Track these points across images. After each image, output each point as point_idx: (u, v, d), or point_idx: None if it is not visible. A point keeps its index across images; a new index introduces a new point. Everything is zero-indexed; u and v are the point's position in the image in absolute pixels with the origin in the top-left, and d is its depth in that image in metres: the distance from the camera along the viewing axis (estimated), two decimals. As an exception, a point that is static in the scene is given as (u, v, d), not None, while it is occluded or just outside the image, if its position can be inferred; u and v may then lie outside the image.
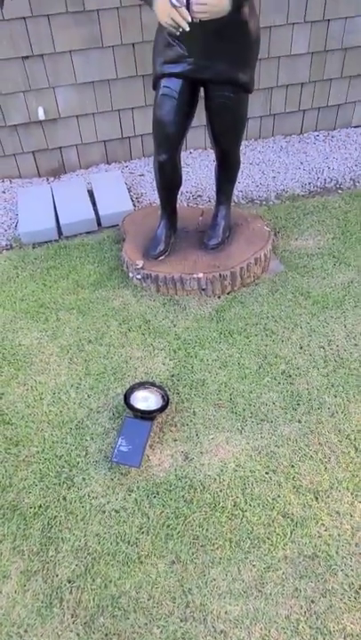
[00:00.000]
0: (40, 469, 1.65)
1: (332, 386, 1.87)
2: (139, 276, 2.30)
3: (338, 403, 1.82)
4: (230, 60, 1.79)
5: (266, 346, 2.03)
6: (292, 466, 1.64)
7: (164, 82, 1.89)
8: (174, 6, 1.58)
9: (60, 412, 1.82)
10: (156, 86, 1.94)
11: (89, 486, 1.60)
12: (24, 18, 2.60)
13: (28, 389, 1.91)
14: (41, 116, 2.95)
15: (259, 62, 2.94)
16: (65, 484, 1.61)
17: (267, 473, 1.62)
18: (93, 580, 1.40)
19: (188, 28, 1.61)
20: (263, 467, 1.64)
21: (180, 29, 1.62)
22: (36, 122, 2.99)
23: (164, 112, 1.93)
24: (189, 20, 1.60)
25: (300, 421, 1.77)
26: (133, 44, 2.85)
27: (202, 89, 1.96)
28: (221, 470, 1.63)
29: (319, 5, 2.96)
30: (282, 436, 1.72)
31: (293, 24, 3.01)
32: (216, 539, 1.47)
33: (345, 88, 3.41)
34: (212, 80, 1.86)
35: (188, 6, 1.59)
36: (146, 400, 1.72)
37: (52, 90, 2.90)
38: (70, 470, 1.65)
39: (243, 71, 1.84)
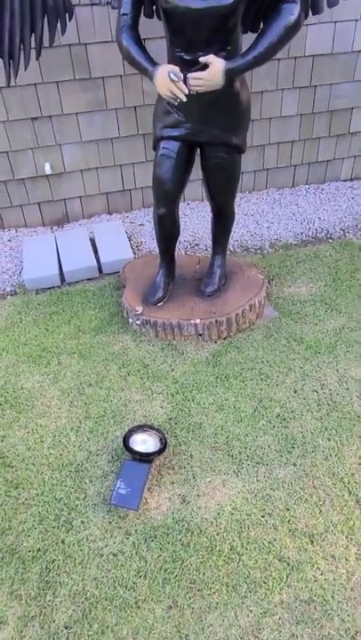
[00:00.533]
0: (39, 512, 1.68)
1: (326, 429, 1.92)
2: (138, 322, 2.39)
3: (331, 446, 1.86)
4: (224, 126, 1.96)
5: (261, 390, 2.10)
6: (288, 509, 1.67)
7: (163, 144, 2.05)
8: (173, 81, 1.75)
9: (60, 454, 1.86)
10: (155, 147, 2.10)
11: (87, 529, 1.62)
12: (35, 84, 2.82)
13: (29, 432, 1.95)
14: (47, 170, 3.13)
15: (252, 122, 3.16)
16: (64, 527, 1.63)
17: (263, 516, 1.65)
18: (90, 626, 1.40)
19: (185, 99, 1.78)
20: (259, 510, 1.66)
21: (178, 100, 1.79)
22: (43, 176, 3.17)
23: (163, 170, 2.08)
24: (186, 92, 1.76)
25: (294, 464, 1.81)
26: (135, 107, 3.07)
27: (198, 149, 2.12)
28: (218, 513, 1.65)
29: (306, 73, 3.22)
30: (277, 479, 1.76)
31: (283, 89, 3.25)
32: (213, 583, 1.48)
33: (333, 146, 3.64)
34: (207, 142, 2.02)
35: (185, 80, 1.76)
36: (144, 443, 1.76)
37: (59, 147, 3.09)
38: (69, 513, 1.67)
39: (235, 135, 2.01)
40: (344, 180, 3.87)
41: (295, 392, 2.09)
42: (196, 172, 2.24)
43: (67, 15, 2.15)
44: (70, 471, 1.80)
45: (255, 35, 1.80)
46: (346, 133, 3.61)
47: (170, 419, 1.98)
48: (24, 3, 2.06)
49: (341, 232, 3.29)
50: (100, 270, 2.92)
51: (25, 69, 2.24)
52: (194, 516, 1.65)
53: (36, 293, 2.77)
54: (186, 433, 1.92)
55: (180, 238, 3.06)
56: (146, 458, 1.71)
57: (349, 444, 1.87)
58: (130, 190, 3.42)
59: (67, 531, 1.62)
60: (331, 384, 2.12)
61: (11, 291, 2.83)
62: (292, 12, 1.66)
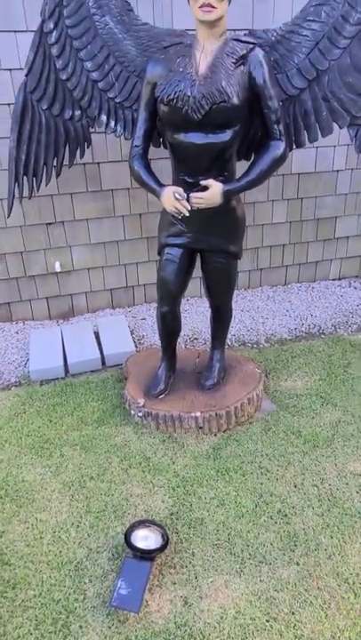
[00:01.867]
0: (36, 615, 1.62)
1: (328, 526, 1.92)
2: (140, 414, 2.45)
3: (334, 544, 1.85)
4: (222, 236, 2.19)
5: (261, 484, 2.11)
6: (293, 612, 1.62)
7: (167, 250, 2.27)
8: (177, 199, 2.00)
9: (60, 551, 1.83)
10: (160, 253, 2.31)
11: (86, 635, 1.56)
12: (51, 195, 3.13)
13: (28, 527, 1.93)
14: (57, 268, 3.37)
15: (247, 228, 3.47)
16: (61, 633, 1.57)
17: (267, 620, 1.60)
18: None
19: (188, 214, 2.01)
20: (263, 613, 1.62)
21: (182, 215, 2.03)
22: (52, 273, 3.40)
23: (167, 273, 2.28)
24: (189, 208, 2.01)
25: (298, 564, 1.78)
26: (140, 214, 3.38)
27: (198, 254, 2.34)
28: (221, 617, 1.60)
29: (293, 188, 3.60)
30: (281, 580, 1.72)
31: (273, 201, 3.61)
32: None
33: (320, 249, 3.95)
34: (207, 249, 2.24)
35: (187, 199, 2.01)
36: (146, 539, 1.75)
37: (69, 248, 3.36)
38: (67, 617, 1.61)
39: (232, 244, 2.23)
40: (333, 279, 4.14)
41: (295, 487, 2.10)
42: (196, 271, 2.44)
43: (85, 143, 2.48)
44: (70, 570, 1.76)
45: (248, 162, 2.09)
46: (332, 238, 3.94)
47: (171, 514, 1.97)
48: (49, 134, 2.39)
49: (333, 328, 3.46)
50: (104, 363, 3.03)
51: (46, 185, 2.53)
52: (196, 620, 1.59)
53: (41, 384, 2.85)
54: (187, 529, 1.91)
55: (180, 332, 3.21)
56: (147, 555, 1.69)
57: (352, 541, 1.86)
58: (133, 287, 3.64)
59: (64, 637, 1.56)
60: (330, 479, 2.14)
61: (15, 382, 2.92)
62: (278, 147, 1.96)
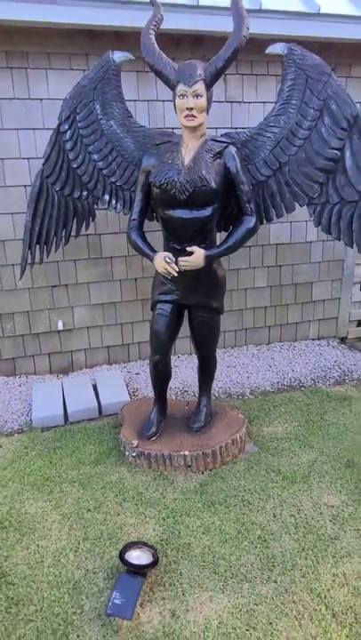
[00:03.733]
0: (37, 627, 1.78)
1: (303, 549, 2.12)
2: (134, 454, 2.69)
3: (308, 564, 2.04)
4: (205, 293, 2.56)
5: (243, 514, 2.32)
6: (270, 623, 1.80)
7: (159, 305, 2.63)
8: (167, 262, 2.39)
9: (59, 572, 2.01)
10: (153, 308, 2.67)
11: (83, 642, 1.72)
12: (57, 261, 3.55)
13: (30, 553, 2.11)
14: (60, 327, 3.71)
15: (231, 291, 3.88)
16: (60, 641, 1.73)
17: (247, 629, 1.77)
18: None
19: (176, 275, 2.40)
20: (244, 624, 1.79)
21: (171, 275, 2.41)
22: (55, 331, 3.74)
23: (159, 326, 2.63)
24: (177, 270, 2.39)
25: (275, 581, 1.97)
26: (136, 279, 3.79)
27: (186, 310, 2.70)
28: (206, 627, 1.77)
29: (272, 257, 4.06)
30: (260, 595, 1.90)
31: (255, 267, 4.06)
32: None
33: (299, 311, 4.35)
34: (193, 305, 2.61)
35: (176, 262, 2.41)
36: (138, 558, 1.94)
37: (71, 308, 3.72)
38: (66, 627, 1.78)
39: (214, 300, 2.61)
40: (313, 339, 4.50)
41: (274, 516, 2.31)
42: (185, 331, 2.78)
43: (90, 217, 2.92)
44: (68, 588, 1.94)
45: (226, 232, 2.52)
46: (309, 301, 4.35)
47: (161, 540, 2.16)
48: (60, 210, 2.85)
49: (312, 381, 3.77)
50: (100, 412, 3.28)
51: (55, 252, 2.95)
52: (183, 629, 1.76)
53: (42, 431, 3.09)
54: (176, 553, 2.10)
55: (171, 385, 3.50)
56: (140, 570, 1.88)
57: (325, 562, 2.05)
58: (128, 344, 3.97)
59: (63, 644, 1.72)
60: (306, 509, 2.36)
61: (18, 429, 3.15)
62: (250, 222, 2.40)
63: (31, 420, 3.18)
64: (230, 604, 1.87)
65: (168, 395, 2.96)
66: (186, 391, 3.59)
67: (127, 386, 3.60)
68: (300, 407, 3.34)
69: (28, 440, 2.98)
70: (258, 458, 2.76)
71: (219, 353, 3.23)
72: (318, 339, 4.51)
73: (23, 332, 3.67)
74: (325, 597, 1.89)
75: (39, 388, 3.47)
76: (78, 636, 1.75)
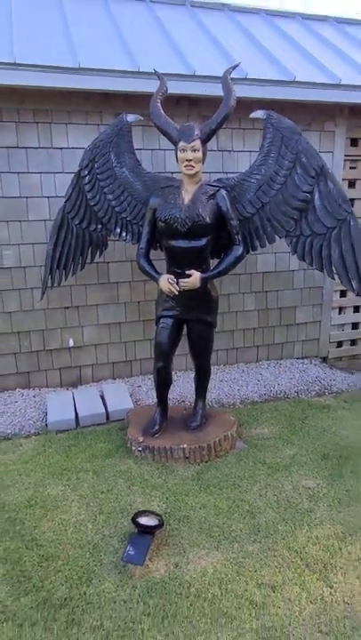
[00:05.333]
0: (65, 576, 2.17)
1: (283, 519, 2.54)
2: (140, 448, 3.11)
3: (288, 530, 2.46)
4: (201, 310, 3.06)
5: (234, 494, 2.74)
6: (255, 570, 2.20)
7: (162, 320, 3.11)
8: (170, 283, 2.89)
9: (81, 537, 2.41)
10: (157, 322, 3.16)
11: (103, 584, 2.11)
12: (70, 285, 4.04)
13: (55, 524, 2.51)
14: (70, 344, 4.17)
15: (223, 314, 4.36)
16: (85, 584, 2.12)
17: (237, 575, 2.17)
18: (107, 650, 1.84)
19: (177, 294, 2.90)
20: (234, 571, 2.19)
21: (172, 294, 2.91)
22: (66, 348, 4.20)
23: (162, 337, 3.10)
24: (178, 289, 2.89)
25: (260, 542, 2.38)
26: (139, 302, 4.29)
27: (185, 325, 3.18)
28: (203, 573, 2.18)
29: (259, 283, 4.59)
30: (247, 552, 2.31)
31: (244, 293, 4.58)
32: (200, 618, 1.96)
33: (285, 332, 4.85)
34: (190, 320, 3.10)
35: (177, 282, 2.91)
36: (147, 521, 2.35)
37: (81, 327, 4.19)
38: (89, 575, 2.17)
39: (209, 316, 3.10)
40: (297, 358, 4.98)
41: (260, 496, 2.73)
42: (183, 350, 3.24)
43: (103, 247, 3.45)
44: (89, 548, 2.33)
45: (218, 259, 3.04)
46: (293, 324, 4.86)
47: (165, 513, 2.57)
48: (78, 240, 3.37)
49: (296, 393, 4.23)
50: (108, 417, 3.71)
51: (72, 276, 3.45)
52: (185, 574, 2.16)
53: (56, 433, 3.50)
54: (177, 522, 2.51)
55: (171, 396, 3.92)
56: (149, 530, 2.29)
57: (301, 528, 2.47)
58: (131, 361, 4.43)
59: (87, 586, 2.11)
60: (287, 490, 2.78)
61: (35, 432, 3.56)
62: (238, 250, 2.93)
63: (47, 424, 3.59)
64: (223, 557, 2.27)
65: (169, 403, 3.40)
66: (183, 401, 4.03)
67: (131, 396, 4.03)
68: (284, 414, 3.79)
69: (45, 440, 3.39)
70: (247, 452, 3.19)
71: (212, 369, 3.67)
72: (302, 358, 4.99)
73: (38, 349, 4.12)
74: (301, 553, 2.30)
75: (53, 397, 3.90)
76: (99, 580, 2.14)
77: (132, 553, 2.18)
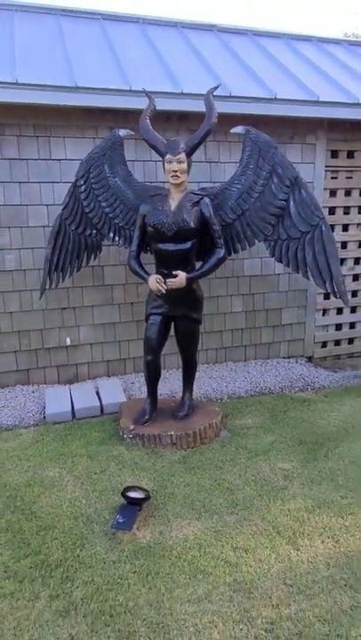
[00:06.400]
0: (61, 542, 2.42)
1: (259, 495, 2.79)
2: (130, 436, 3.37)
3: (263, 504, 2.71)
4: (187, 307, 3.33)
5: (216, 475, 2.99)
6: (232, 537, 2.45)
7: (151, 317, 3.39)
8: (158, 282, 3.17)
9: (75, 510, 2.66)
10: (146, 319, 3.43)
11: (94, 548, 2.36)
12: (67, 287, 4.32)
13: (52, 499, 2.76)
14: (67, 343, 4.44)
15: (212, 315, 4.63)
16: (78, 548, 2.37)
17: (215, 540, 2.42)
18: (98, 599, 2.08)
19: (165, 292, 3.18)
20: (212, 537, 2.45)
21: (160, 292, 3.19)
22: (63, 346, 4.46)
23: (151, 333, 3.38)
24: (166, 288, 3.17)
25: (237, 514, 2.63)
26: (132, 303, 4.56)
27: (173, 322, 3.45)
28: (185, 539, 2.43)
29: (246, 286, 4.87)
30: (226, 522, 2.57)
31: (231, 295, 4.86)
32: (180, 574, 2.21)
33: (271, 333, 5.12)
34: (177, 316, 3.37)
35: (165, 282, 3.19)
36: (135, 494, 2.60)
37: (77, 327, 4.46)
38: (82, 541, 2.42)
39: (195, 312, 3.38)
40: (283, 357, 5.24)
41: (240, 476, 2.99)
42: (173, 348, 3.50)
43: (97, 251, 3.73)
44: (82, 520, 2.58)
45: (202, 261, 3.32)
46: (279, 325, 5.13)
47: (152, 490, 2.82)
48: (74, 244, 3.66)
49: (280, 389, 4.49)
50: (102, 410, 3.96)
51: (69, 278, 3.72)
52: (168, 540, 2.41)
53: (53, 424, 3.75)
54: (163, 498, 2.76)
55: (161, 392, 4.17)
56: (137, 502, 2.54)
57: (275, 502, 2.72)
58: (125, 359, 4.69)
59: (80, 550, 2.35)
60: (264, 471, 3.04)
61: (34, 423, 3.81)
62: (220, 253, 3.21)
63: (44, 416, 3.85)
64: (203, 526, 2.53)
65: (159, 397, 3.65)
66: (174, 396, 4.28)
67: (124, 392, 4.29)
68: (268, 407, 4.05)
69: (44, 430, 3.64)
70: (230, 440, 3.44)
71: (202, 367, 3.93)
72: (288, 357, 5.25)
73: (37, 347, 4.39)
74: (273, 522, 2.56)
75: (51, 392, 4.16)
76: (91, 545, 2.39)
77: (121, 521, 2.43)
